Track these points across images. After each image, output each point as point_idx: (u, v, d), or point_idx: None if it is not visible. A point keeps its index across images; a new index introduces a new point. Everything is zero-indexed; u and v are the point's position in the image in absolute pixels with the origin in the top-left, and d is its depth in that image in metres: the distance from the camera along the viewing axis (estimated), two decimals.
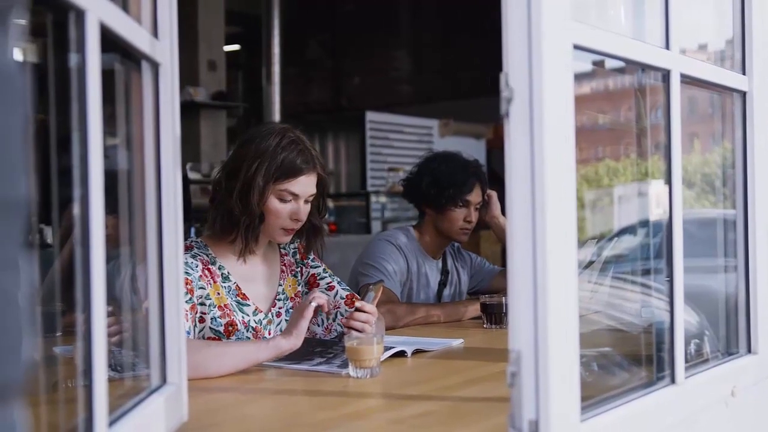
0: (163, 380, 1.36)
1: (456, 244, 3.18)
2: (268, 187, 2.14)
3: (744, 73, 1.78)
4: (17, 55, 0.59)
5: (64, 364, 1.41)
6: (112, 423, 1.08)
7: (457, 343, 2.33)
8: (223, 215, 2.17)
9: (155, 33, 1.33)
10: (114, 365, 1.29)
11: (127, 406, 1.20)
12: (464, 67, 9.42)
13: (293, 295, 2.33)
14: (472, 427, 1.46)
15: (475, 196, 2.99)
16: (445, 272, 3.13)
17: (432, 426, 1.48)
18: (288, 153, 2.14)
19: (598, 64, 1.48)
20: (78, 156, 0.98)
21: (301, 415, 1.58)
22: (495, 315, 2.63)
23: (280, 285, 2.31)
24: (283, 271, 2.33)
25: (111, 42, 1.10)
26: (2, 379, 0.57)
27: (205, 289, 2.12)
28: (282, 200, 2.16)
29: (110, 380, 1.06)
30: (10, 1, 0.58)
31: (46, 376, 1.26)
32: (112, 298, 1.14)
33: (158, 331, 1.35)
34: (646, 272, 1.94)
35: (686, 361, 1.53)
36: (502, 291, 2.92)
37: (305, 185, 2.18)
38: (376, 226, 7.35)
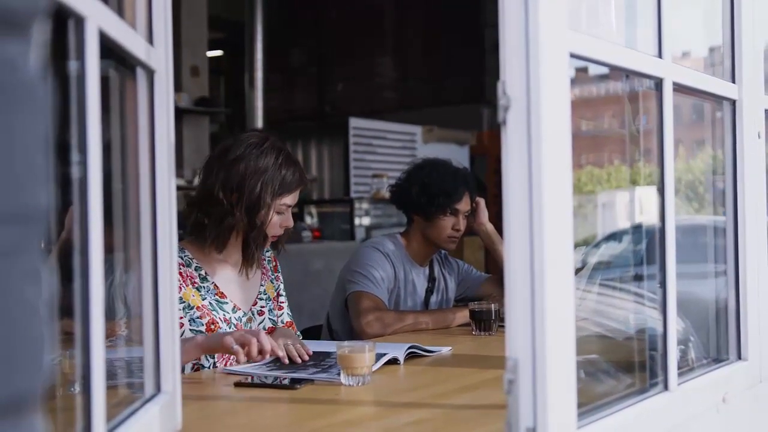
0: (158, 389, 1.35)
1: (443, 251, 3.18)
2: (274, 204, 2.24)
3: (734, 82, 1.80)
4: (38, 64, 0.59)
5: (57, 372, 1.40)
6: None
7: (446, 350, 2.33)
8: (226, 230, 2.24)
9: (150, 40, 1.32)
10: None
11: (123, 415, 1.19)
12: (448, 74, 9.45)
13: (273, 297, 2.44)
14: None
15: (464, 205, 2.99)
16: (432, 279, 3.13)
17: None
18: (286, 170, 2.26)
19: (581, 71, 1.49)
20: (77, 162, 0.98)
21: (294, 424, 1.57)
22: (484, 322, 2.63)
23: (262, 285, 2.40)
24: (264, 273, 2.43)
25: (106, 48, 1.10)
26: (26, 388, 0.56)
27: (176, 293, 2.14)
28: (279, 213, 2.27)
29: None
30: (33, 10, 0.58)
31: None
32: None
33: (152, 340, 1.34)
34: (634, 279, 1.94)
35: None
36: (490, 298, 2.93)
37: (297, 196, 2.32)
38: (360, 232, 7.34)
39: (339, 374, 1.87)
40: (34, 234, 0.57)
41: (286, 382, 1.86)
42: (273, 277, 2.47)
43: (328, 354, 2.17)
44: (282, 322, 2.40)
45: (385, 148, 8.22)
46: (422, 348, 2.24)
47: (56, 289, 1.15)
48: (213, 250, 2.26)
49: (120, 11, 1.22)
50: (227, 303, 2.27)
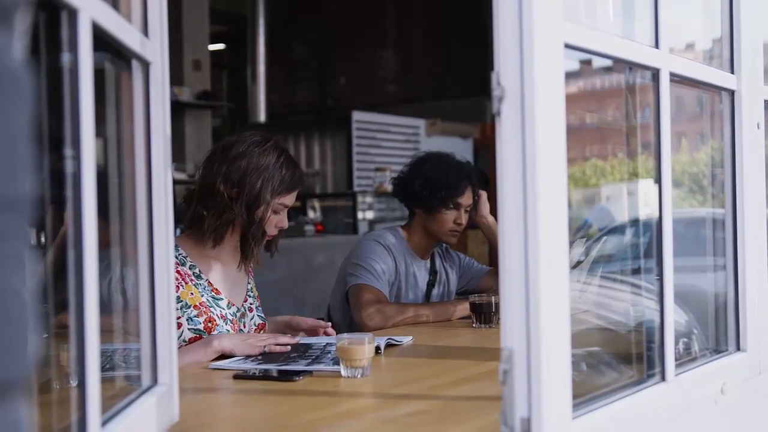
0: (155, 381, 1.35)
1: (444, 244, 3.18)
2: (273, 202, 2.27)
3: (732, 72, 1.79)
4: (21, 54, 0.59)
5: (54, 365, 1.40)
6: (104, 423, 1.08)
7: (407, 340, 2.35)
8: (224, 224, 2.26)
9: (146, 32, 1.32)
10: (103, 365, 1.28)
11: (119, 407, 1.20)
12: (451, 67, 9.44)
13: (257, 296, 2.48)
14: (464, 426, 1.47)
15: (466, 199, 2.99)
16: (433, 272, 3.13)
17: (424, 424, 1.48)
18: (287, 170, 2.29)
19: (585, 63, 1.49)
20: (70, 157, 0.98)
21: (292, 415, 1.57)
22: (484, 314, 2.63)
23: (249, 283, 2.45)
24: (250, 273, 2.47)
25: (101, 40, 1.10)
26: (9, 375, 0.57)
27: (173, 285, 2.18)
28: (275, 212, 2.30)
29: (101, 380, 1.05)
30: (15, 1, 0.58)
31: (36, 377, 1.25)
32: (101, 300, 1.14)
33: (149, 332, 1.35)
34: (635, 271, 1.94)
35: (675, 360, 1.53)
36: (491, 291, 2.93)
37: (294, 197, 2.35)
38: (362, 226, 7.34)
39: (333, 364, 1.87)
40: (18, 221, 0.58)
41: (281, 374, 1.87)
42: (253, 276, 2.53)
43: (308, 346, 2.19)
44: (254, 324, 2.42)
45: (388, 141, 8.22)
46: (394, 339, 2.30)
47: (42, 277, 1.16)
48: (209, 245, 2.28)
49: (115, 3, 1.22)
50: (222, 299, 2.30)
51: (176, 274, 2.21)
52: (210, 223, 2.24)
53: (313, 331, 2.41)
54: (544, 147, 1.15)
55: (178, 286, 2.19)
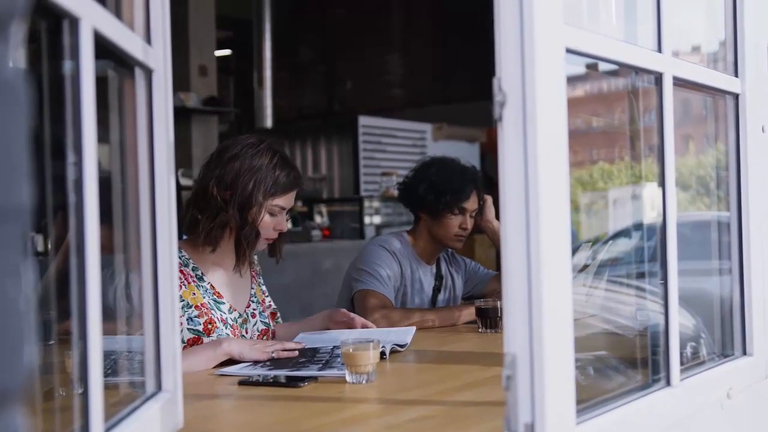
0: (159, 387, 1.35)
1: (450, 249, 3.18)
2: (266, 203, 2.26)
3: (736, 75, 1.79)
4: (18, 62, 0.59)
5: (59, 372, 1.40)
6: (107, 430, 1.08)
7: (410, 333, 2.36)
8: (219, 227, 2.26)
9: (148, 39, 1.33)
10: (106, 371, 1.29)
11: (123, 414, 1.20)
12: (457, 71, 9.43)
13: (261, 300, 2.47)
14: (468, 431, 1.46)
15: (471, 204, 2.99)
16: (439, 277, 3.12)
17: (429, 430, 1.48)
18: (281, 171, 2.28)
19: (591, 67, 1.49)
20: (72, 163, 0.98)
21: (297, 421, 1.57)
22: (490, 319, 2.63)
23: (252, 288, 2.44)
24: (253, 277, 2.46)
25: (104, 48, 1.10)
26: (6, 384, 0.57)
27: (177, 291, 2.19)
28: (271, 214, 2.29)
29: (105, 387, 1.05)
30: (11, 10, 0.58)
31: (41, 384, 1.25)
32: (106, 306, 1.14)
33: (153, 339, 1.35)
34: (641, 275, 1.94)
35: (682, 364, 1.53)
36: (497, 295, 2.92)
37: (292, 199, 2.34)
38: (369, 231, 7.34)
39: (341, 368, 1.87)
40: (14, 231, 0.58)
41: (286, 380, 1.87)
42: (260, 281, 2.51)
43: (315, 350, 2.19)
44: (257, 330, 2.42)
45: (395, 146, 8.22)
46: (397, 345, 2.26)
47: (47, 284, 1.16)
48: (206, 249, 2.27)
49: (117, 12, 1.23)
50: (224, 303, 2.30)
51: (179, 274, 2.21)
52: (204, 226, 2.24)
53: (347, 324, 2.42)
54: (545, 152, 1.15)
55: (180, 285, 2.19)
